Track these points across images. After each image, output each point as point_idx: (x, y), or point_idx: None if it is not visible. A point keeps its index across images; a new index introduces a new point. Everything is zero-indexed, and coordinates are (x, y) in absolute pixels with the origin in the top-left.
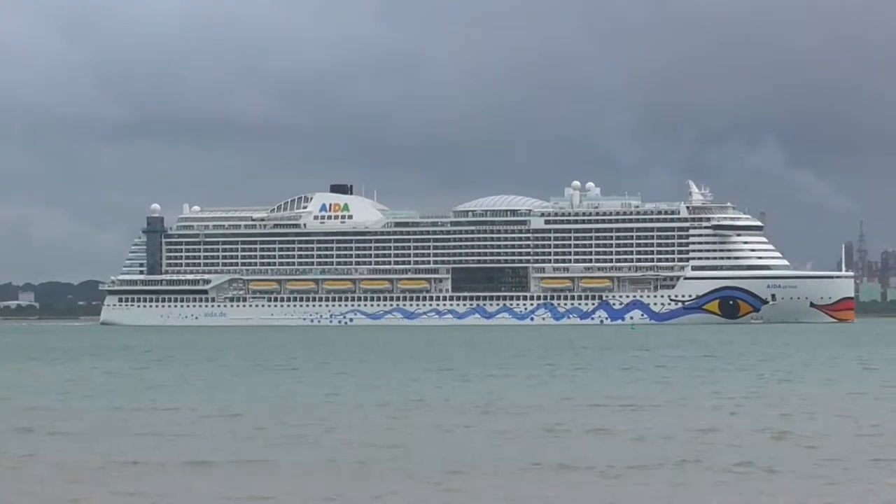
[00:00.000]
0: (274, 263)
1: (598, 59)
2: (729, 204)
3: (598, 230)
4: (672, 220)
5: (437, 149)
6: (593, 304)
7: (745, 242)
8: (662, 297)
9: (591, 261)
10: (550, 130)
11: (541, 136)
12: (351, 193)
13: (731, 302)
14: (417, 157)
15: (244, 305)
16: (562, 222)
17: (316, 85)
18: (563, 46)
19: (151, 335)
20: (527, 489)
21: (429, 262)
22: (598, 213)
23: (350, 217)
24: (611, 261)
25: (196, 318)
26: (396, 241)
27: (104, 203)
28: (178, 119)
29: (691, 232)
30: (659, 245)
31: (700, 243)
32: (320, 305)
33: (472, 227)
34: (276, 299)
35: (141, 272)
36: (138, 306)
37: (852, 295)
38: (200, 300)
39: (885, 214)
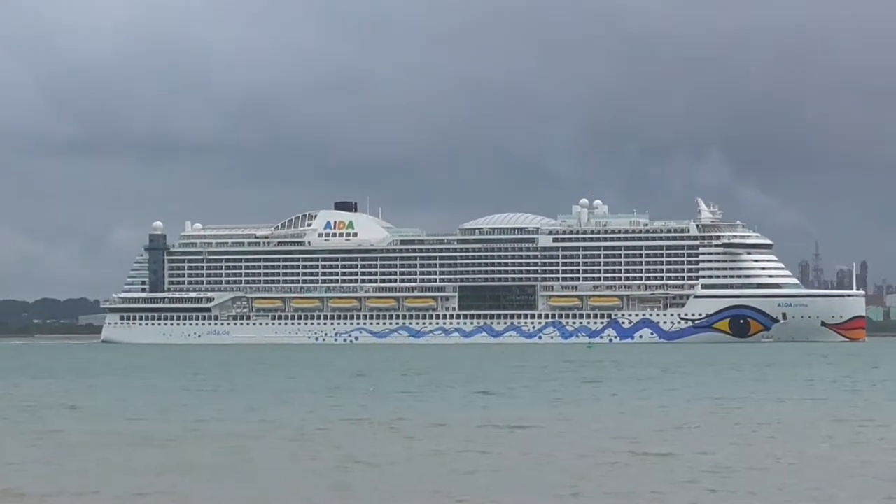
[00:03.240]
0: (278, 281)
1: (545, 76)
2: (738, 222)
3: (606, 248)
4: (682, 238)
5: (384, 166)
6: (602, 322)
7: (756, 261)
8: (672, 315)
9: (599, 279)
10: (496, 147)
11: (487, 153)
12: (356, 211)
13: (741, 321)
14: (364, 173)
15: (248, 324)
16: (570, 240)
17: (263, 102)
18: (509, 64)
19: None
20: None
21: (435, 281)
22: (606, 231)
23: (355, 235)
24: (620, 279)
25: (199, 336)
26: (402, 259)
27: (56, 220)
28: (126, 136)
29: (701, 250)
30: (668, 263)
31: (710, 261)
32: (325, 324)
33: (479, 245)
34: (280, 317)
35: (143, 290)
36: (140, 324)
37: (863, 314)
38: (204, 318)
39: (837, 233)
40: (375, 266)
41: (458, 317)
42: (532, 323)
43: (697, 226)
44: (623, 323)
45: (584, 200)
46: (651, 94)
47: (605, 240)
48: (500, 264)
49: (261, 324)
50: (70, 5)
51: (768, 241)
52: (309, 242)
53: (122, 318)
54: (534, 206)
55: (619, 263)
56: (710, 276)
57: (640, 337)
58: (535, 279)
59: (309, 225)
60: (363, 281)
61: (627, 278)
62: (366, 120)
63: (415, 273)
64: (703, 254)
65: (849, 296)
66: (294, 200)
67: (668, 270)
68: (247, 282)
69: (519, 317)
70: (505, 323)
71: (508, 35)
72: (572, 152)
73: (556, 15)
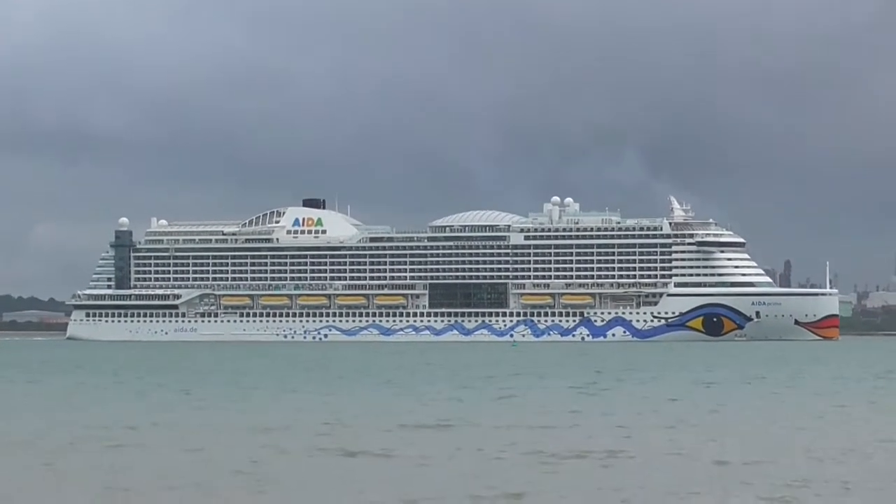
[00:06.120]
0: (246, 279)
1: (461, 76)
2: (711, 220)
3: (578, 246)
4: (654, 237)
5: (300, 166)
6: (574, 320)
7: (729, 259)
8: (645, 313)
9: (571, 277)
10: (414, 149)
11: (405, 154)
12: (324, 208)
13: (714, 319)
14: (279, 173)
15: (215, 321)
16: (541, 238)
17: (178, 99)
18: (427, 65)
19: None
20: None
21: (405, 278)
22: (578, 229)
23: (324, 232)
24: (592, 277)
25: (166, 333)
26: (372, 256)
27: None
28: (41, 133)
29: (674, 248)
30: (641, 261)
31: (683, 259)
32: (294, 321)
33: (450, 243)
34: (248, 315)
35: (109, 286)
36: (106, 321)
37: (837, 312)
38: (171, 315)
39: (759, 233)
40: (345, 263)
41: (428, 315)
42: (503, 321)
43: (670, 224)
44: (595, 321)
45: (556, 198)
46: (568, 93)
47: (577, 238)
48: (471, 262)
49: (229, 321)
50: None
51: (741, 240)
52: (277, 239)
53: (87, 314)
54: (453, 207)
55: (592, 261)
56: (683, 275)
57: (613, 335)
58: (507, 277)
59: (277, 222)
60: (332, 278)
61: (600, 276)
62: (279, 120)
63: (384, 271)
64: (676, 252)
65: (822, 294)
66: (224, 200)
67: (641, 269)
68: (214, 279)
69: (490, 315)
70: (476, 321)
71: (426, 34)
72: (489, 152)
73: (474, 15)
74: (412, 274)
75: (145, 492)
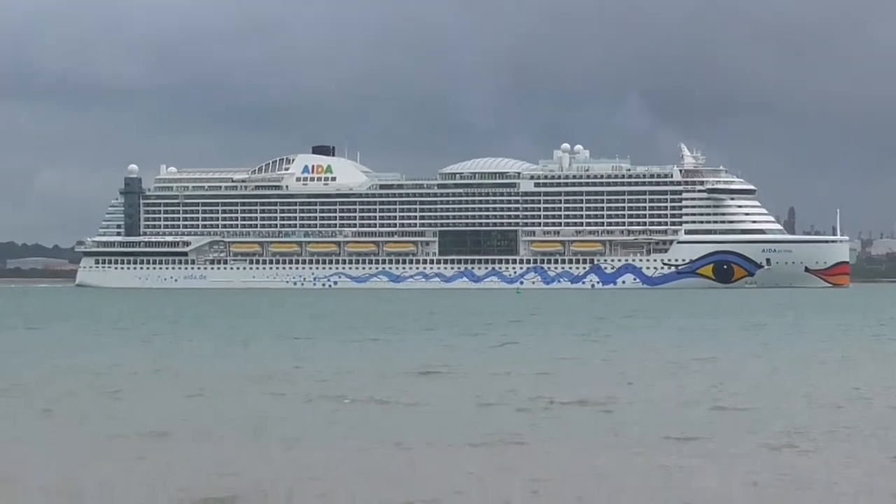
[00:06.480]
0: (256, 226)
1: (463, 23)
2: (722, 167)
3: (588, 193)
4: (665, 184)
5: (299, 111)
6: (584, 268)
7: (739, 206)
8: (655, 261)
9: (581, 224)
10: (416, 95)
11: (407, 101)
12: (333, 155)
13: (725, 266)
14: (280, 119)
15: (225, 268)
16: (551, 185)
17: (183, 46)
18: (426, 12)
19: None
20: None
21: (415, 225)
22: (588, 176)
23: (333, 179)
24: (602, 224)
25: (175, 280)
26: (382, 203)
27: None
28: (41, 79)
29: (684, 195)
30: (651, 209)
31: (693, 207)
32: (304, 268)
33: (460, 190)
34: (258, 262)
35: (118, 233)
36: (116, 268)
37: (847, 259)
38: (180, 263)
39: (762, 180)
40: (354, 210)
41: (438, 262)
42: (513, 268)
43: (680, 171)
44: (606, 268)
45: (566, 145)
46: (569, 40)
47: (588, 185)
48: (480, 209)
49: (238, 268)
50: None
51: (751, 187)
52: (287, 186)
53: (97, 261)
54: (456, 154)
55: (602, 209)
56: (694, 222)
57: (623, 282)
58: (517, 224)
59: (286, 169)
60: (342, 225)
61: (610, 223)
62: (283, 67)
63: (394, 218)
64: (687, 199)
65: (833, 241)
66: (233, 147)
67: (651, 216)
68: (224, 226)
69: (500, 262)
70: (486, 268)
71: None
72: (490, 100)
73: None
74: (422, 221)
75: (144, 438)
